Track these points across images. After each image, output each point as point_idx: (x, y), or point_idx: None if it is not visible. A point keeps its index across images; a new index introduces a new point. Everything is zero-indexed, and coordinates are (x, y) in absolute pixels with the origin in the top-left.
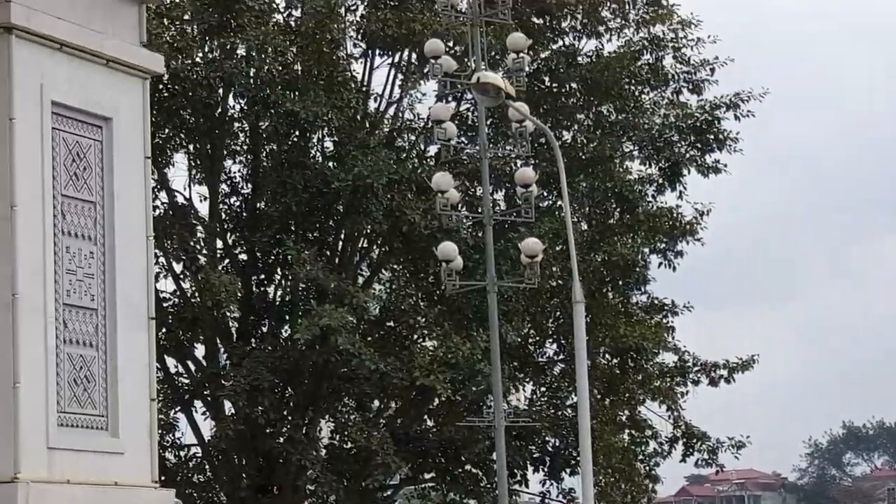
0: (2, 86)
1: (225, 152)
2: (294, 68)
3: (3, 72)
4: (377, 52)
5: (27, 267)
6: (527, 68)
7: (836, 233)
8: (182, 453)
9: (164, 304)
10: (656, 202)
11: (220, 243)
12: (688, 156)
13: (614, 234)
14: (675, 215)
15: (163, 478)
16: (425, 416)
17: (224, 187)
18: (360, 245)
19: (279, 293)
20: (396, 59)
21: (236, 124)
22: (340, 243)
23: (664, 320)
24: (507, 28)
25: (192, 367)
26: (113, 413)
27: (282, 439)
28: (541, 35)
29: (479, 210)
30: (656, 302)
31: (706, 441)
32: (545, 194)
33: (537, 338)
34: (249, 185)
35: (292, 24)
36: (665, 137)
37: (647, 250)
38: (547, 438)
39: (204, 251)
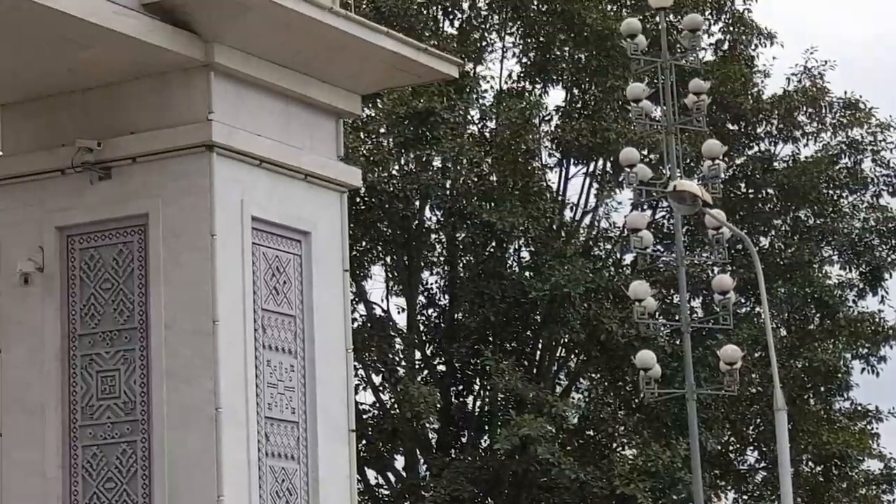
0: (203, 202)
1: (422, 264)
2: (490, 179)
3: (204, 189)
4: (572, 161)
5: (230, 381)
6: (723, 175)
7: None
8: None
9: (364, 416)
10: (857, 307)
11: (418, 354)
12: (889, 259)
13: (815, 340)
14: (877, 320)
15: None
16: None
17: (421, 299)
18: (557, 354)
19: (478, 403)
20: (591, 168)
21: (433, 236)
22: (538, 353)
23: (868, 427)
24: (702, 135)
25: (393, 479)
26: None
27: None
28: (736, 141)
29: (677, 317)
30: (860, 408)
31: None
32: (743, 301)
33: (738, 445)
34: (447, 296)
35: (487, 135)
36: (865, 241)
37: (848, 356)
38: None
39: (402, 363)
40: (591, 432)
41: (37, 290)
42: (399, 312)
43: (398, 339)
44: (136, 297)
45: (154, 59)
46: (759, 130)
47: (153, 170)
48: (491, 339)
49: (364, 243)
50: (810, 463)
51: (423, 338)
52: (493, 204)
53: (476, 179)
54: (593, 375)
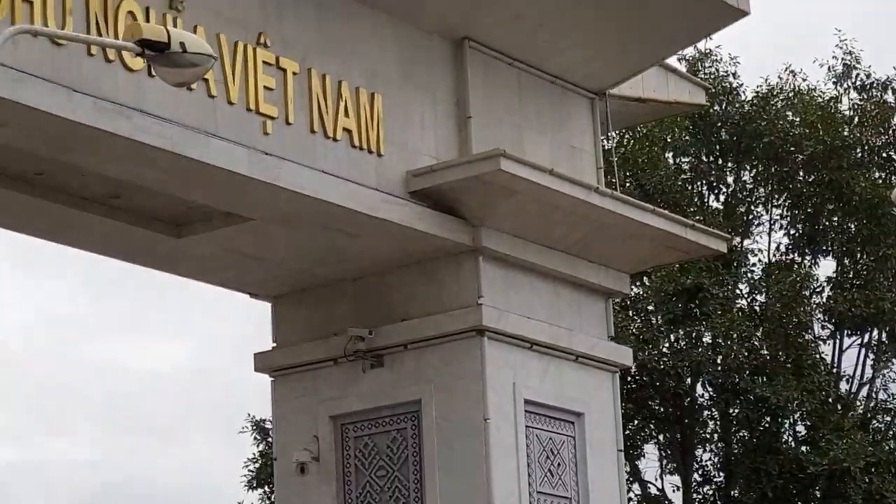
0: (476, 387)
1: (696, 441)
2: (761, 353)
3: (476, 373)
4: (846, 332)
5: None
6: None
7: None
8: None
9: None
10: None
11: None
12: None
13: None
14: None
15: None
16: None
17: (696, 476)
18: None
19: None
20: (866, 338)
21: (705, 412)
22: None
23: None
24: None
25: None
26: None
27: None
28: None
29: None
30: None
31: None
32: None
33: None
34: (722, 473)
35: (757, 308)
36: None
37: None
38: None
39: None
40: None
41: (313, 479)
42: (674, 491)
43: None
44: (410, 484)
45: (422, 245)
46: None
47: (425, 356)
48: None
49: (636, 422)
50: None
51: None
52: (765, 378)
53: (747, 354)
54: None
